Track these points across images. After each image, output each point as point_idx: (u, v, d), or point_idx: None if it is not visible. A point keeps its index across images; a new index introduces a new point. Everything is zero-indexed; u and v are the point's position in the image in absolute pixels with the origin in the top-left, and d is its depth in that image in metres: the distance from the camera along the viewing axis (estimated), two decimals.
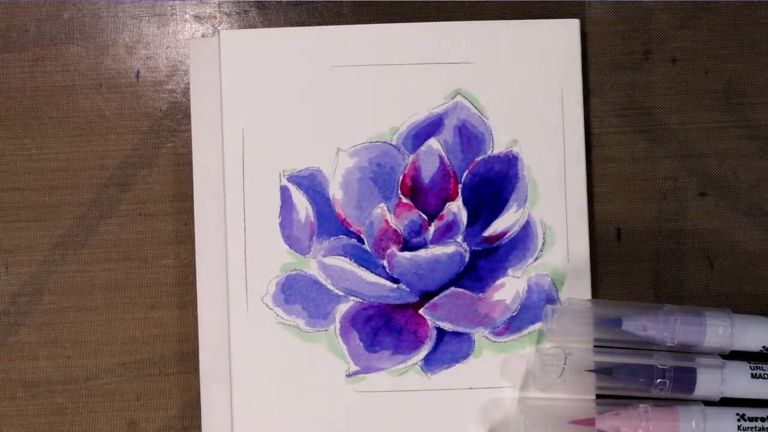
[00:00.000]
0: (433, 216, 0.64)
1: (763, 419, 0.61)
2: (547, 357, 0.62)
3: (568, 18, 0.64)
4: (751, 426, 0.60)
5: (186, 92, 0.66)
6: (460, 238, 0.64)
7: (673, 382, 0.61)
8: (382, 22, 0.65)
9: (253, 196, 0.63)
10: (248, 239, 0.63)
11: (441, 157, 0.64)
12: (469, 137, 0.64)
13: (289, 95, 0.64)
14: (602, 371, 0.61)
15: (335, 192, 0.64)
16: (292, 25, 0.66)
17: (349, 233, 0.64)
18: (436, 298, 0.64)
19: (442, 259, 0.64)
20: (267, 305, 0.63)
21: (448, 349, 0.64)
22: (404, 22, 0.65)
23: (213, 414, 0.63)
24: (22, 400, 0.65)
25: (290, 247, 0.64)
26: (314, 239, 0.64)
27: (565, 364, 0.60)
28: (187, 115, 0.66)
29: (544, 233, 0.64)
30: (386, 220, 0.64)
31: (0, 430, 0.65)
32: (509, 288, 0.64)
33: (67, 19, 0.66)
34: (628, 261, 0.65)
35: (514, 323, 0.64)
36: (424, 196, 0.64)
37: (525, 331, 0.64)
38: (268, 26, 0.66)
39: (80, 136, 0.66)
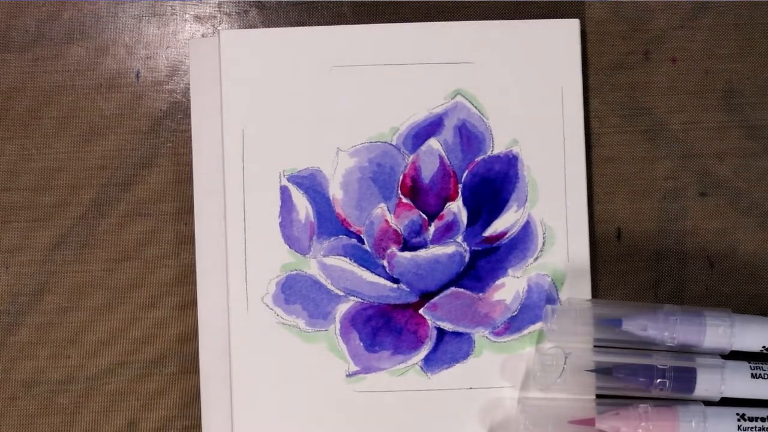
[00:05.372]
0: (433, 216, 0.64)
1: (763, 419, 0.61)
2: (547, 357, 0.62)
3: (568, 18, 0.64)
4: (751, 426, 0.60)
5: (186, 92, 0.66)
6: (460, 238, 0.64)
7: (673, 382, 0.61)
8: (382, 22, 0.65)
9: (253, 196, 0.63)
10: (248, 239, 0.63)
11: (441, 157, 0.64)
12: (469, 137, 0.64)
13: (289, 95, 0.64)
14: (602, 371, 0.61)
15: (335, 192, 0.64)
16: (292, 25, 0.66)
17: (349, 233, 0.64)
18: (436, 298, 0.64)
19: (442, 259, 0.64)
20: (267, 305, 0.63)
21: (448, 349, 0.64)
22: (404, 22, 0.65)
23: (213, 414, 0.63)
24: (22, 400, 0.65)
25: (290, 247, 0.64)
26: (314, 239, 0.64)
27: (565, 364, 0.60)
28: (187, 115, 0.66)
29: (544, 233, 0.64)
30: (386, 220, 0.64)
31: (0, 430, 0.65)
32: (509, 288, 0.64)
33: (67, 19, 0.66)
34: (628, 261, 0.65)
35: (514, 323, 0.64)
36: (424, 196, 0.64)
37: (525, 331, 0.64)
38: (268, 26, 0.66)
39: (80, 136, 0.66)
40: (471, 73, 0.64)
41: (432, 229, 0.64)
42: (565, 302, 0.63)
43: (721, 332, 0.61)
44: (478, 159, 0.64)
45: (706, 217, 0.66)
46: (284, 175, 0.64)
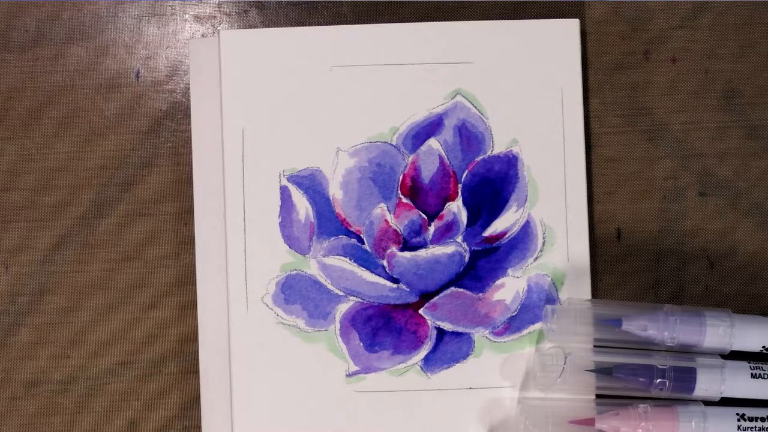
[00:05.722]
0: (433, 216, 0.64)
1: (763, 419, 0.61)
2: (547, 357, 0.62)
3: (568, 18, 0.64)
4: (751, 426, 0.60)
5: (186, 92, 0.66)
6: (460, 238, 0.64)
7: (673, 382, 0.61)
8: (382, 22, 0.65)
9: (253, 196, 0.63)
10: (248, 239, 0.63)
11: (441, 157, 0.64)
12: (469, 137, 0.64)
13: (289, 95, 0.64)
14: (602, 371, 0.61)
15: (335, 192, 0.64)
16: (292, 25, 0.66)
17: (349, 233, 0.64)
18: (436, 298, 0.64)
19: (442, 259, 0.64)
20: (267, 305, 0.63)
21: (448, 349, 0.64)
22: (404, 22, 0.65)
23: (213, 414, 0.63)
24: (22, 400, 0.65)
25: (290, 247, 0.64)
26: (314, 239, 0.64)
27: (565, 364, 0.60)
28: (187, 115, 0.66)
29: (544, 233, 0.64)
30: (386, 220, 0.64)
31: (0, 430, 0.65)
32: (509, 288, 0.64)
33: (67, 19, 0.66)
34: (628, 261, 0.65)
35: (514, 323, 0.64)
36: (424, 196, 0.64)
37: (525, 331, 0.64)
38: (268, 26, 0.66)
39: (80, 136, 0.66)
40: (471, 73, 0.64)
41: (432, 229, 0.64)
42: (565, 302, 0.63)
43: (721, 332, 0.61)
44: (478, 159, 0.64)
45: (706, 217, 0.66)
46: (284, 175, 0.64)
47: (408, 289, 0.64)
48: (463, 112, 0.64)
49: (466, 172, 0.64)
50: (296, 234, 0.64)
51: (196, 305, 0.64)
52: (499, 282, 0.64)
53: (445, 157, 0.64)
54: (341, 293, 0.64)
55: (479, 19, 0.65)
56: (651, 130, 0.66)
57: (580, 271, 0.64)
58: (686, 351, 0.62)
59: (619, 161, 0.66)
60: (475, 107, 0.64)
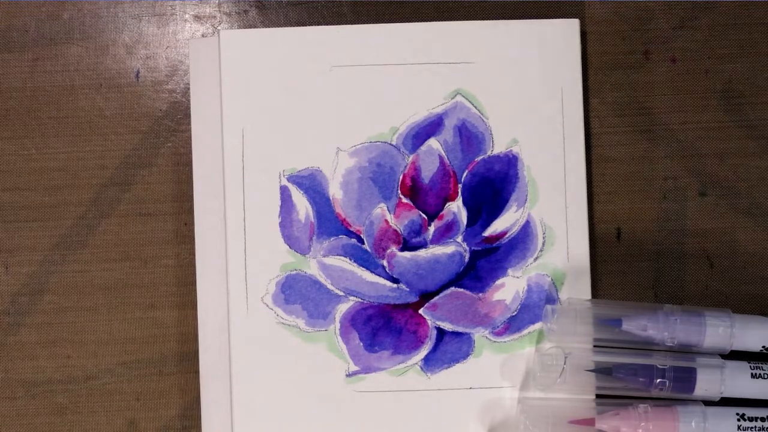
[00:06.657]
0: (433, 216, 0.64)
1: (763, 419, 0.61)
2: (547, 357, 0.62)
3: (568, 18, 0.64)
4: (751, 426, 0.60)
5: (186, 92, 0.66)
6: (460, 238, 0.64)
7: (672, 382, 0.61)
8: (382, 22, 0.65)
9: (253, 196, 0.63)
10: (248, 239, 0.63)
11: (441, 157, 0.64)
12: (469, 137, 0.64)
13: (289, 95, 0.64)
14: (602, 371, 0.61)
15: (335, 192, 0.64)
16: (292, 25, 0.66)
17: (349, 233, 0.64)
18: (436, 298, 0.64)
19: (442, 259, 0.64)
20: (267, 305, 0.63)
21: (448, 349, 0.64)
22: (404, 22, 0.65)
23: (213, 414, 0.63)
24: (22, 400, 0.65)
25: (290, 247, 0.64)
26: (314, 239, 0.64)
27: (565, 364, 0.60)
28: (187, 115, 0.66)
29: (544, 233, 0.64)
30: (386, 220, 0.64)
31: (0, 430, 0.65)
32: (509, 288, 0.64)
33: (67, 19, 0.66)
34: (628, 261, 0.65)
35: (514, 323, 0.64)
36: (424, 196, 0.64)
37: (525, 331, 0.64)
38: (268, 26, 0.66)
39: (80, 136, 0.66)
40: (471, 73, 0.64)
41: (432, 229, 0.64)
42: (565, 302, 0.63)
43: (721, 332, 0.61)
44: (478, 159, 0.64)
45: (706, 217, 0.66)
46: (284, 175, 0.64)
47: (408, 289, 0.64)
48: (463, 112, 0.64)
49: (466, 172, 0.64)
50: (296, 234, 0.64)
51: (196, 305, 0.64)
52: (499, 282, 0.64)
53: (445, 157, 0.64)
54: (341, 293, 0.64)
55: (479, 19, 0.65)
56: (651, 130, 0.66)
57: (580, 271, 0.64)
58: (686, 351, 0.62)
59: (619, 161, 0.66)
60: (475, 107, 0.64)
